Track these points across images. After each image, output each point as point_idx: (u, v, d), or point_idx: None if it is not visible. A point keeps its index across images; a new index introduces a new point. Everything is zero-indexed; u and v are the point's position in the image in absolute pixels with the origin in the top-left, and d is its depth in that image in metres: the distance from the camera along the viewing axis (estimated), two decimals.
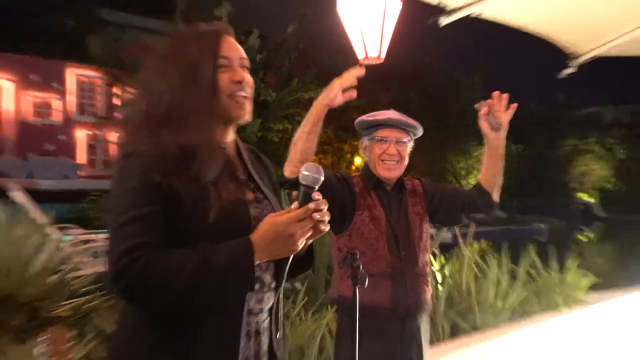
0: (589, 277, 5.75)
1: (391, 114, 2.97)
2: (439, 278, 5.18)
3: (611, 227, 30.07)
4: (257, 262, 1.62)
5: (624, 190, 34.14)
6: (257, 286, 1.76)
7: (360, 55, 3.11)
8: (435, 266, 5.32)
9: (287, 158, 2.64)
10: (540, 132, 32.34)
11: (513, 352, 4.45)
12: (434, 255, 5.36)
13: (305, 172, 1.68)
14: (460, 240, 5.56)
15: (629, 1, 5.45)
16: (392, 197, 2.99)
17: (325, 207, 1.67)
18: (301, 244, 1.66)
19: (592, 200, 34.70)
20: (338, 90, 2.47)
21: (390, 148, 2.91)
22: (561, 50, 6.36)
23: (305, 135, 2.53)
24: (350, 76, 2.48)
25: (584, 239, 26.35)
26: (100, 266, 5.58)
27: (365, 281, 2.26)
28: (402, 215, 2.96)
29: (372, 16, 2.95)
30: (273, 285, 1.83)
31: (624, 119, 36.46)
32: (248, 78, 1.80)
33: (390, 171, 2.94)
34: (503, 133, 2.88)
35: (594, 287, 5.80)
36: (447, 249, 5.55)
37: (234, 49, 1.79)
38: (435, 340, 4.25)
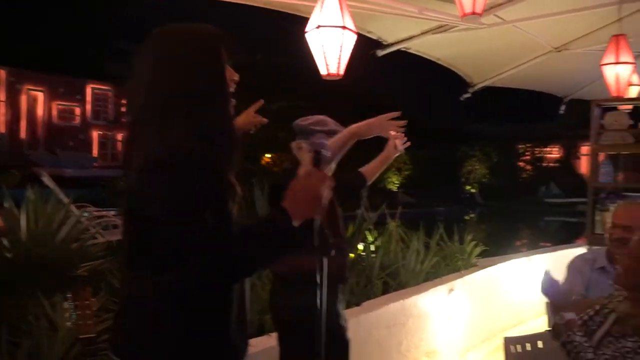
0: (480, 247, 5.68)
1: (331, 125, 2.62)
2: (373, 247, 5.04)
3: (486, 211, 30.80)
4: (296, 224, 1.32)
5: (495, 183, 35.02)
6: None
7: (322, 71, 2.91)
8: (371, 239, 5.17)
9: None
10: (441, 140, 32.98)
11: (429, 303, 4.34)
12: (369, 230, 5.21)
13: (314, 140, 1.45)
14: (389, 219, 5.43)
15: (509, 49, 5.51)
16: None
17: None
18: (325, 200, 1.37)
19: (474, 190, 35.40)
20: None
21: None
22: (463, 79, 6.34)
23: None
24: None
25: (468, 219, 26.82)
26: (109, 236, 5.32)
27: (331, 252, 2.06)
28: (331, 206, 2.57)
29: (333, 42, 2.73)
30: None
31: (499, 133, 37.27)
32: None
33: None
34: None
35: (480, 255, 5.74)
36: (377, 226, 5.40)
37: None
38: (372, 295, 4.10)
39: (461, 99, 6.48)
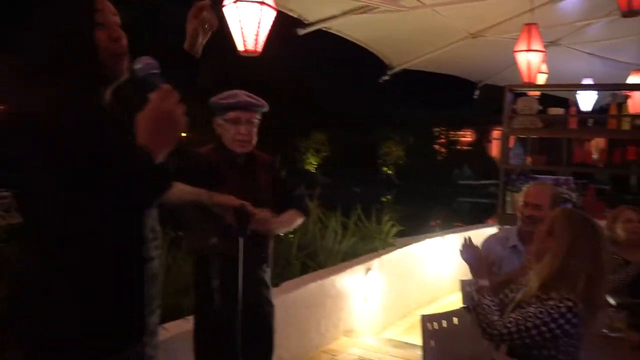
0: (397, 227, 5.82)
1: (242, 97, 2.53)
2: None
3: (403, 191, 31.70)
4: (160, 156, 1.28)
5: (411, 165, 36.04)
6: (150, 235, 1.47)
7: (240, 47, 2.83)
8: None
9: None
10: (359, 123, 33.48)
11: (347, 283, 4.40)
12: None
13: (138, 66, 1.37)
14: (307, 199, 5.42)
15: (427, 33, 5.64)
16: (245, 168, 2.58)
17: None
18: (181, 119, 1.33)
19: (390, 172, 36.30)
20: None
21: (242, 128, 2.51)
22: (382, 61, 6.42)
23: None
24: None
25: (385, 200, 27.52)
26: (11, 219, 4.94)
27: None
28: (254, 184, 2.55)
29: (251, 17, 2.66)
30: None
31: (416, 116, 38.26)
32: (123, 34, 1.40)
33: (244, 147, 2.54)
34: None
35: (397, 234, 5.87)
36: None
37: (108, 8, 1.39)
38: (290, 276, 4.11)
39: (380, 81, 6.56)
